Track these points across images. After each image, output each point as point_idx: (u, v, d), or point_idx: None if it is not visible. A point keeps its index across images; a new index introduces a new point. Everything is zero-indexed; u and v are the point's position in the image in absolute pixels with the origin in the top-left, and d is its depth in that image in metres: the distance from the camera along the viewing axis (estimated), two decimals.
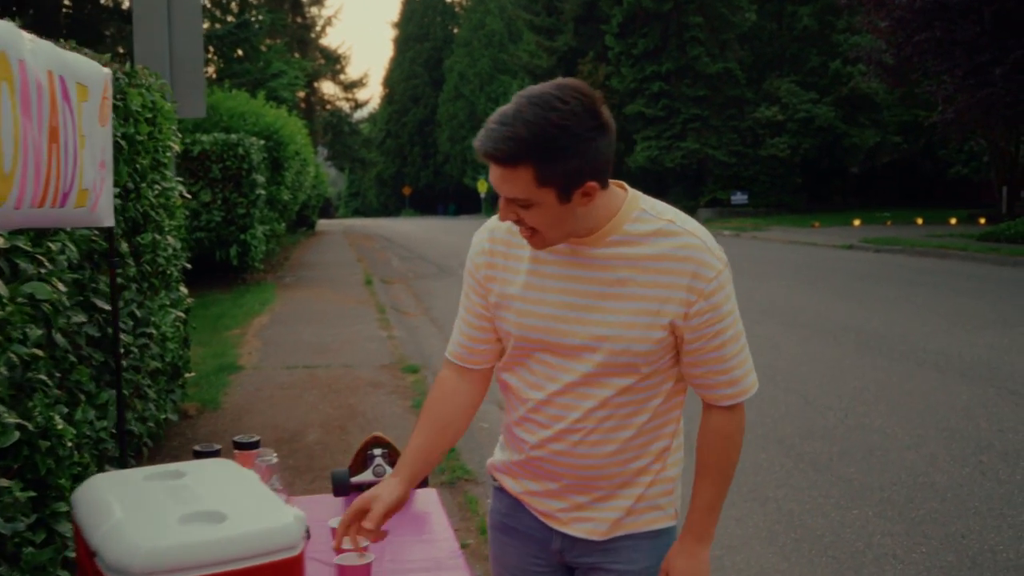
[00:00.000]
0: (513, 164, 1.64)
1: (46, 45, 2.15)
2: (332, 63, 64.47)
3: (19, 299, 2.91)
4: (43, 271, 3.13)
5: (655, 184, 36.39)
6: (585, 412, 1.84)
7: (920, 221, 25.89)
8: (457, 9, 76.45)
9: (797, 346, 8.95)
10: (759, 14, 33.09)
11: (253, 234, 13.53)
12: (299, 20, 45.32)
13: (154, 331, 5.12)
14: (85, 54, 4.35)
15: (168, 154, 5.61)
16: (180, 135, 6.33)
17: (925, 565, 4.13)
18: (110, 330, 4.24)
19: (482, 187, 61.82)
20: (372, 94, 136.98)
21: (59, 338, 3.38)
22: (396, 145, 76.03)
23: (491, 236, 1.95)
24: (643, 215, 1.79)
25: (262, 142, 14.51)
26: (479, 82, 66.92)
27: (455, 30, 75.02)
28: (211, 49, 28.70)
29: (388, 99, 78.68)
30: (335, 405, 6.76)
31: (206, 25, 29.66)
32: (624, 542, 1.96)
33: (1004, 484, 5.09)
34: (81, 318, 3.66)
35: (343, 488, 2.53)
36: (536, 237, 1.76)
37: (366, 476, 2.54)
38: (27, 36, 2.05)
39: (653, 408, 1.89)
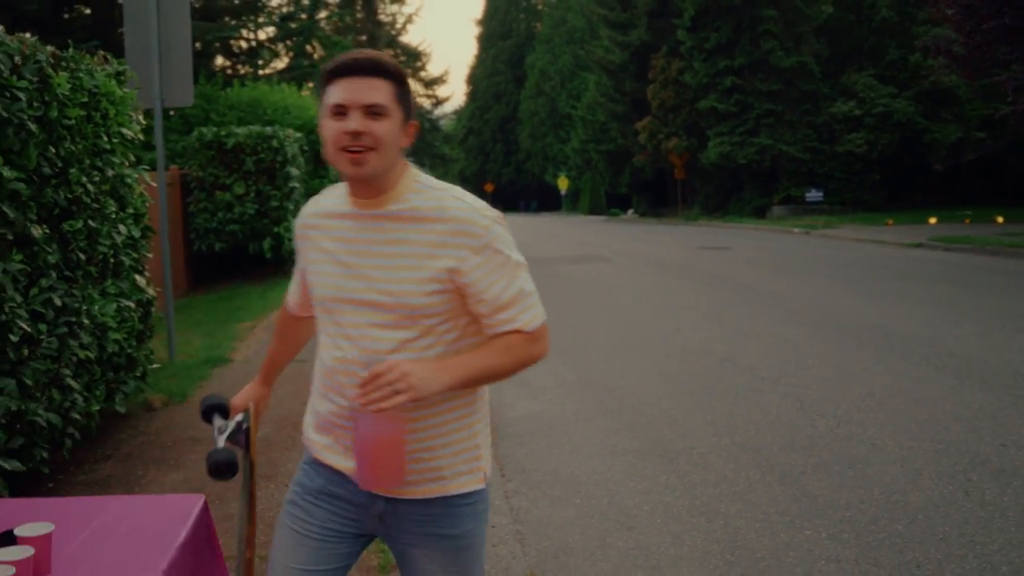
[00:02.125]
0: (377, 75, 1.95)
1: None
2: (412, 60, 65.06)
3: None
4: None
5: (729, 180, 35.63)
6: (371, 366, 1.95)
7: (1000, 220, 24.69)
8: (540, 6, 76.24)
9: (813, 348, 8.46)
10: (836, 6, 32.04)
11: (287, 227, 13.50)
12: (370, 17, 45.50)
13: (86, 320, 4.98)
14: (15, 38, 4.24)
15: (110, 140, 5.44)
16: (142, 120, 6.17)
17: None
18: (4, 317, 4.11)
19: (562, 184, 61.61)
20: (453, 91, 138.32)
21: None
22: (479, 142, 76.43)
23: (303, 220, 2.20)
24: (420, 187, 2.03)
25: (299, 135, 14.48)
26: (560, 79, 66.80)
27: (538, 27, 74.92)
28: (280, 43, 29.13)
29: (471, 96, 79.14)
30: (303, 401, 6.57)
31: (276, 21, 30.06)
32: (438, 506, 2.10)
33: (987, 506, 4.60)
34: None
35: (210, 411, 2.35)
36: (369, 155, 1.94)
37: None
38: None
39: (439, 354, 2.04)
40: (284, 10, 29.70)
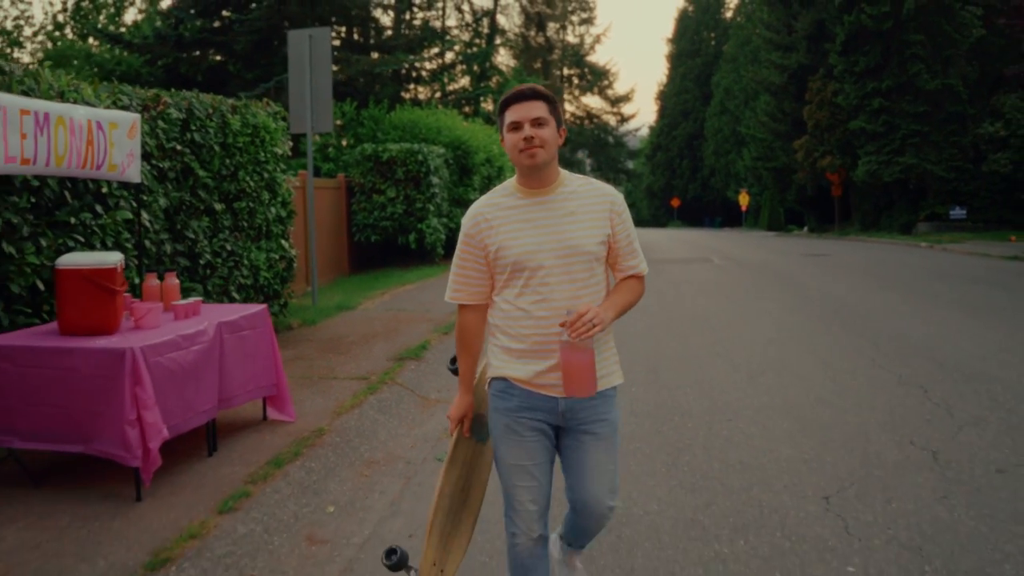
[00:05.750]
0: (535, 99, 2.84)
1: (92, 110, 5.46)
2: (599, 78, 68.12)
3: (118, 219, 6.28)
4: (145, 213, 6.52)
5: (882, 197, 36.96)
6: (565, 299, 2.80)
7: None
8: (731, 18, 76.52)
9: (784, 318, 11.04)
10: (989, 29, 32.92)
11: (429, 224, 17.02)
12: (543, 43, 48.94)
13: (245, 262, 8.53)
14: (197, 98, 7.80)
15: (265, 155, 8.97)
16: (290, 142, 9.73)
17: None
18: (197, 250, 7.66)
19: (743, 199, 62.84)
20: (639, 108, 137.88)
21: (147, 244, 6.76)
22: (666, 158, 78.05)
23: (480, 214, 2.91)
24: (568, 178, 2.93)
25: (442, 150, 18.02)
26: (744, 97, 67.35)
27: (726, 46, 75.76)
28: (458, 67, 33.13)
29: (661, 113, 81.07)
30: (386, 326, 9.94)
31: (458, 48, 34.13)
32: (600, 398, 2.88)
33: (763, 392, 7.31)
34: (165, 237, 7.04)
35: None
36: (540, 151, 2.79)
37: None
38: (84, 109, 5.37)
39: (600, 291, 2.90)
40: (463, 38, 33.80)
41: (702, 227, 72.01)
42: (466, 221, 2.93)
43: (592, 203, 2.86)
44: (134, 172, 5.93)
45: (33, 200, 5.47)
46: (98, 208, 6.08)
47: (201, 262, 7.71)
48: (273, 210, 9.23)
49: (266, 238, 9.16)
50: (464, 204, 19.65)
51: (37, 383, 4.39)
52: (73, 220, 5.79)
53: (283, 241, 9.54)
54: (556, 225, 2.82)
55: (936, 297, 12.99)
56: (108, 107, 6.36)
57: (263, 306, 5.81)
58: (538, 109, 2.81)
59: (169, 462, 4.82)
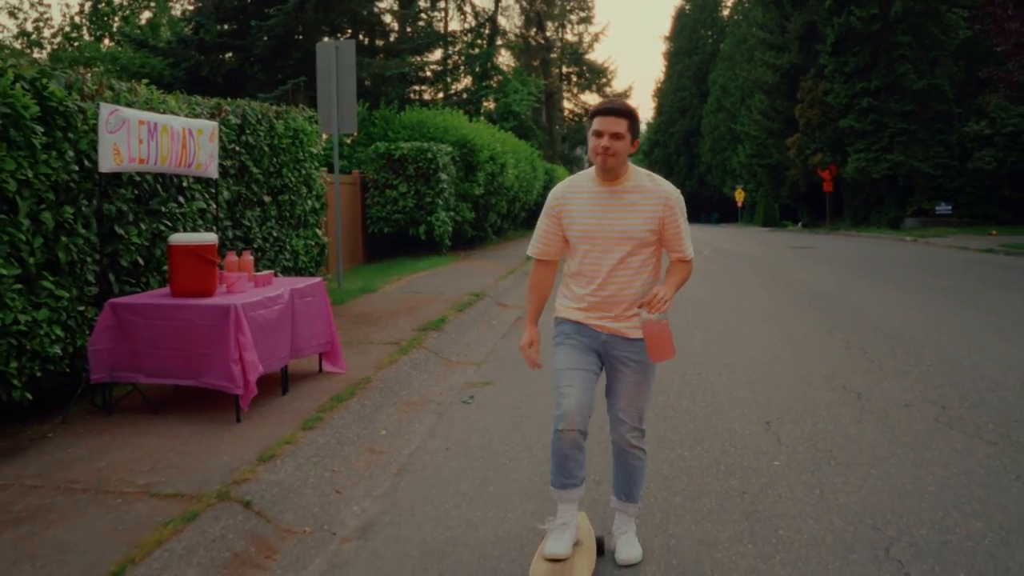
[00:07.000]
0: (619, 116, 3.50)
1: (185, 120, 6.81)
2: (597, 76, 69.29)
3: (194, 208, 7.60)
4: (210, 202, 7.84)
5: (872, 193, 38.34)
6: (614, 270, 3.59)
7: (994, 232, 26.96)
8: (728, 17, 77.54)
9: (749, 295, 12.39)
10: (974, 32, 34.25)
11: (437, 217, 18.33)
12: (542, 42, 50.13)
13: (288, 246, 9.86)
14: (236, 105, 9.12)
15: (303, 154, 10.28)
16: (325, 143, 11.04)
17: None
18: (249, 236, 8.99)
19: (739, 196, 64.09)
20: (636, 105, 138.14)
21: (215, 230, 8.07)
22: (664, 155, 79.22)
23: (562, 194, 3.70)
24: (636, 174, 3.61)
25: (450, 148, 19.34)
26: (740, 95, 68.38)
27: (723, 44, 76.72)
28: (462, 68, 34.40)
29: (658, 110, 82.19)
30: (407, 304, 11.27)
31: (458, 47, 35.43)
32: (637, 344, 3.61)
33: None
34: (228, 224, 8.37)
35: None
36: (612, 159, 3.47)
37: None
38: (180, 119, 6.72)
39: (645, 269, 3.63)
40: (465, 39, 35.09)
41: (699, 223, 73.35)
42: (550, 198, 3.72)
43: (650, 198, 3.54)
44: (213, 170, 7.27)
45: (135, 192, 6.80)
46: (180, 199, 7.40)
47: (254, 246, 9.04)
48: (309, 203, 10.56)
49: (303, 227, 10.49)
50: (469, 199, 21.00)
51: (160, 332, 5.72)
52: (163, 208, 7.11)
53: (317, 230, 10.86)
54: (618, 212, 3.54)
55: (902, 283, 14.35)
56: (187, 115, 7.69)
57: (320, 279, 7.15)
58: (619, 125, 3.46)
59: (254, 399, 6.15)
